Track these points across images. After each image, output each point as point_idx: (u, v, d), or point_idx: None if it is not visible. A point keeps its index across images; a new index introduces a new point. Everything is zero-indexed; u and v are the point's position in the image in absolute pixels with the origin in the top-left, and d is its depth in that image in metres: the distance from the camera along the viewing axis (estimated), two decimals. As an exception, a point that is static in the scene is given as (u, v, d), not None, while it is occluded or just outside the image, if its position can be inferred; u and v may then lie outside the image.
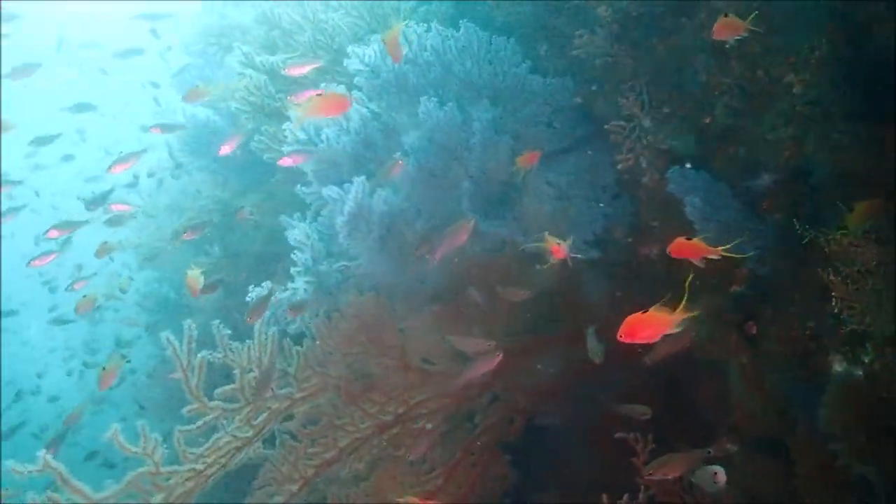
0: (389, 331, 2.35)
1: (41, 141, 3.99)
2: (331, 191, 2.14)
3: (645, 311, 1.65)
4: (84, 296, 3.63)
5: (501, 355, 2.00)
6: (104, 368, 3.11)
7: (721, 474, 1.91)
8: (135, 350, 5.30)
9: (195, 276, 2.50)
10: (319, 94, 1.98)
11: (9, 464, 1.88)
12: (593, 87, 2.69)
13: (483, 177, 2.39)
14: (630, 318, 1.65)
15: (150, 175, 4.95)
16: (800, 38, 2.09)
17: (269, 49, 2.80)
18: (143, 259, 4.55)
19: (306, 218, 2.63)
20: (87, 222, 3.47)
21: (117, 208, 3.71)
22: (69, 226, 3.42)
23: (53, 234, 3.40)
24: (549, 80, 2.67)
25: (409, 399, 2.44)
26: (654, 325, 1.64)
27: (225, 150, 2.89)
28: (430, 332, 2.43)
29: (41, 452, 1.91)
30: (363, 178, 2.15)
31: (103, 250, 3.72)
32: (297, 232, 2.18)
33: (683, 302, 1.63)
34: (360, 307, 2.30)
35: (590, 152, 2.70)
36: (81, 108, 4.60)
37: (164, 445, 2.04)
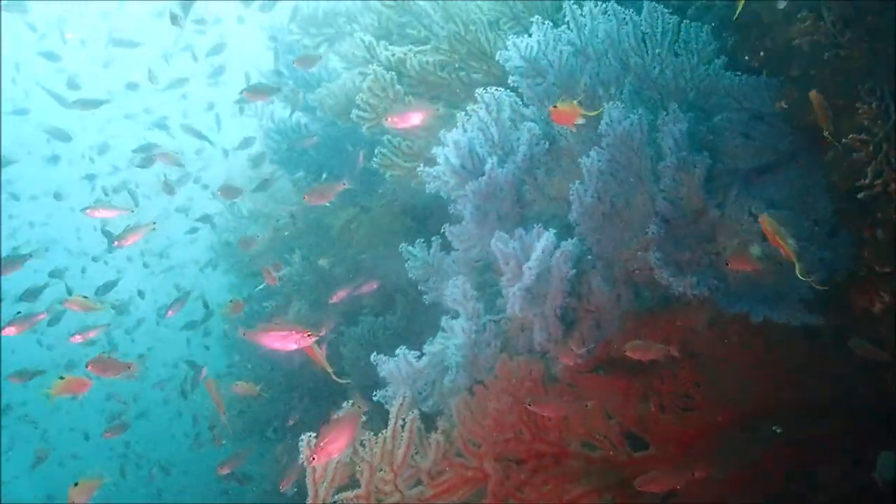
0: (546, 407, 1.78)
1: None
2: (503, 244, 1.56)
3: None
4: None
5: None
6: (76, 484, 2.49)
7: None
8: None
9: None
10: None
11: None
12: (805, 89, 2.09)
13: (673, 212, 1.80)
14: None
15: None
16: None
17: (383, 40, 2.26)
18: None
19: (430, 246, 2.09)
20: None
21: (164, 160, 3.39)
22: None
23: (10, 331, 2.91)
24: (746, 80, 2.07)
25: (563, 493, 1.87)
26: None
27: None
28: (595, 409, 1.85)
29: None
30: (552, 233, 1.57)
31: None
32: (455, 290, 1.60)
33: None
34: (510, 374, 1.74)
35: (798, 173, 2.08)
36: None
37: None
